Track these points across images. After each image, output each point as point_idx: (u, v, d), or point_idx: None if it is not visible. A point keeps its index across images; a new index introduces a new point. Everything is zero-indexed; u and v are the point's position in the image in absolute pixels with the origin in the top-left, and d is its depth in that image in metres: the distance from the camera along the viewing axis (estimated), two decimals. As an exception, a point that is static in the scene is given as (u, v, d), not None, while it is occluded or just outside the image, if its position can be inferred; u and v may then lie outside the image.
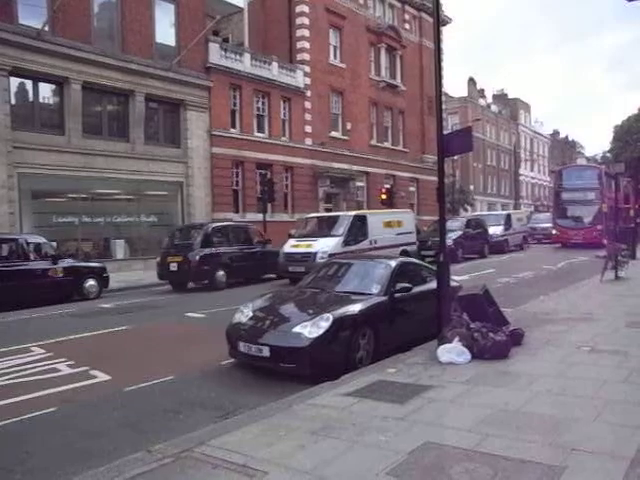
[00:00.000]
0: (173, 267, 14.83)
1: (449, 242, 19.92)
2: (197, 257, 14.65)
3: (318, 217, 19.04)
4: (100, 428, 4.92)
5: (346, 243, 16.01)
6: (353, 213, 17.79)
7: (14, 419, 5.13)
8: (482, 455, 3.69)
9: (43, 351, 7.87)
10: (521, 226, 29.36)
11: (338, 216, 18.08)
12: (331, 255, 14.38)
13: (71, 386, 6.14)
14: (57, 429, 4.95)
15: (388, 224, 18.39)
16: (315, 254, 15.28)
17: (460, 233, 21.89)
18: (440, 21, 9.42)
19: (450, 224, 22.54)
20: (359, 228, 16.94)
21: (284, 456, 3.80)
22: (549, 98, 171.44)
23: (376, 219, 17.92)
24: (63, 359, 7.29)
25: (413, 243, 19.74)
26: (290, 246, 16.44)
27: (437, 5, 7.66)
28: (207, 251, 14.95)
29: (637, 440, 3.84)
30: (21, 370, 6.86)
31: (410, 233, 19.65)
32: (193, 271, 14.70)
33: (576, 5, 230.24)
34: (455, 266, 15.80)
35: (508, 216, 28.14)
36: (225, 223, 17.90)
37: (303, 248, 15.87)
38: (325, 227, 17.40)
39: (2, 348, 8.02)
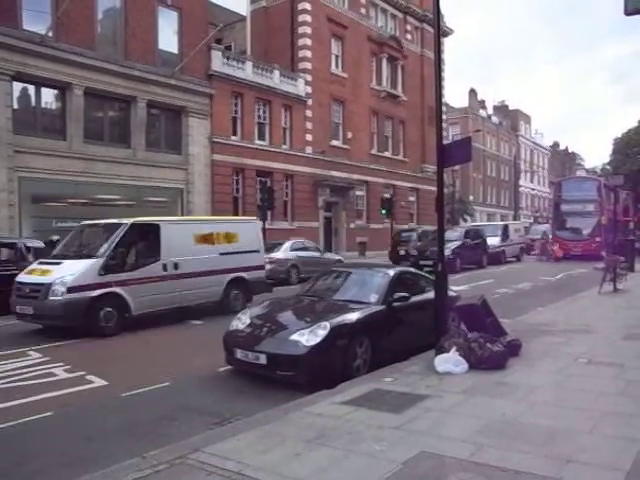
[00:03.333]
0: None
1: (447, 252, 19.80)
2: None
3: (89, 225, 11.80)
4: (96, 433, 4.91)
5: (109, 269, 9.84)
6: (131, 220, 10.77)
7: (11, 423, 5.12)
8: (477, 465, 3.68)
9: (40, 355, 7.87)
10: (519, 237, 29.38)
11: (111, 225, 10.94)
12: (78, 289, 9.44)
13: (68, 391, 6.13)
14: (53, 433, 4.95)
15: (206, 239, 11.85)
16: (49, 286, 9.49)
17: (459, 243, 21.67)
18: (441, 32, 9.49)
19: (449, 234, 22.20)
20: (144, 245, 10.86)
21: (279, 464, 3.80)
22: (549, 110, 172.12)
23: (179, 231, 11.48)
24: (60, 364, 7.28)
25: (258, 267, 12.98)
26: (26, 272, 10.52)
27: (438, 16, 7.73)
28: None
29: (633, 452, 3.84)
30: (18, 374, 6.85)
31: (253, 252, 12.77)
32: None
33: (578, 17, 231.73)
34: (453, 276, 15.74)
35: (505, 227, 28.21)
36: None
37: (36, 276, 10.05)
38: (87, 242, 11.27)
39: (-1, 352, 8.02)
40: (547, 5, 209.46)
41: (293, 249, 18.82)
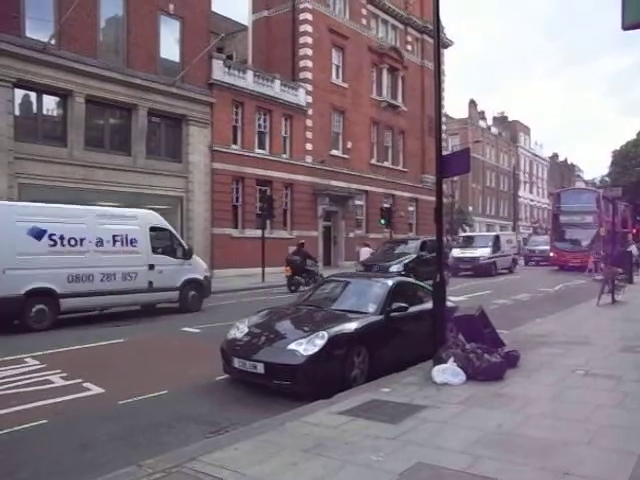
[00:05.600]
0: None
1: (399, 267, 18.21)
2: None
3: None
4: (92, 441, 4.88)
5: None
6: None
7: (5, 430, 5.09)
8: (474, 477, 3.67)
9: (37, 362, 7.84)
10: (511, 248, 28.66)
11: None
12: None
13: (64, 398, 6.11)
14: (48, 441, 4.92)
15: None
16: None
17: (414, 257, 19.60)
18: (441, 43, 9.56)
19: (404, 247, 21.13)
20: None
21: (275, 474, 3.79)
22: (549, 121, 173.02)
23: None
24: (57, 371, 7.25)
25: None
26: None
27: (437, 27, 7.79)
28: None
29: (630, 465, 3.83)
30: (14, 381, 6.82)
31: None
32: None
33: (577, 30, 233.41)
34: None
35: (497, 237, 27.59)
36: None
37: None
38: None
39: (-4, 359, 7.98)
40: (548, 19, 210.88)
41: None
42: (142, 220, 13.08)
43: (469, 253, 25.17)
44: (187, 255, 13.74)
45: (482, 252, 25.04)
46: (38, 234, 10.93)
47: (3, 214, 10.75)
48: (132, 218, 12.95)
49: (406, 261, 19.00)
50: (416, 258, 19.53)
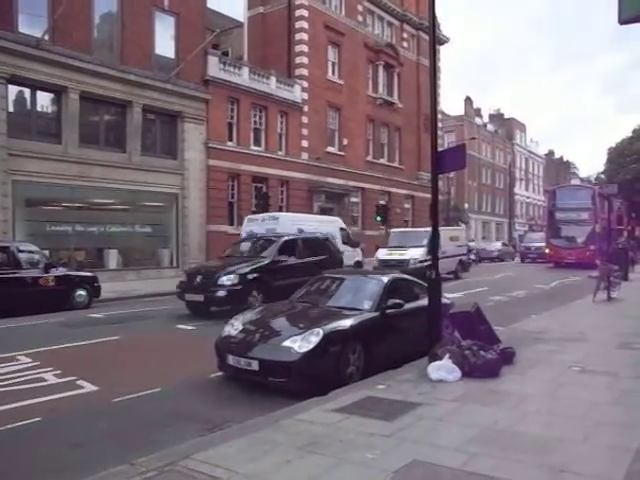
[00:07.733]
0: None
1: (231, 279, 11.78)
2: None
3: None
4: (85, 439, 4.84)
5: None
6: None
7: (-2, 429, 5.05)
8: (469, 474, 3.65)
9: (30, 360, 7.77)
10: (457, 247, 22.55)
11: None
12: None
13: (57, 396, 6.06)
14: (41, 440, 4.88)
15: None
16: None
17: (265, 263, 12.76)
18: (437, 40, 9.53)
19: (260, 248, 13.99)
20: None
21: (269, 472, 3.75)
22: (545, 119, 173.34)
23: None
24: (50, 369, 7.19)
25: None
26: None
27: (433, 24, 7.75)
28: None
29: (626, 462, 3.82)
30: (6, 379, 6.76)
31: None
32: None
33: (573, 28, 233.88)
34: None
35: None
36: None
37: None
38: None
39: (-11, 356, 7.91)
40: (544, 17, 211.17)
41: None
42: (336, 223, 21.24)
43: (397, 255, 19.78)
44: (355, 245, 21.70)
45: (414, 253, 19.34)
46: (301, 232, 17.17)
47: (287, 220, 18.36)
48: (332, 222, 21.22)
49: (248, 269, 12.30)
50: (269, 264, 12.83)
